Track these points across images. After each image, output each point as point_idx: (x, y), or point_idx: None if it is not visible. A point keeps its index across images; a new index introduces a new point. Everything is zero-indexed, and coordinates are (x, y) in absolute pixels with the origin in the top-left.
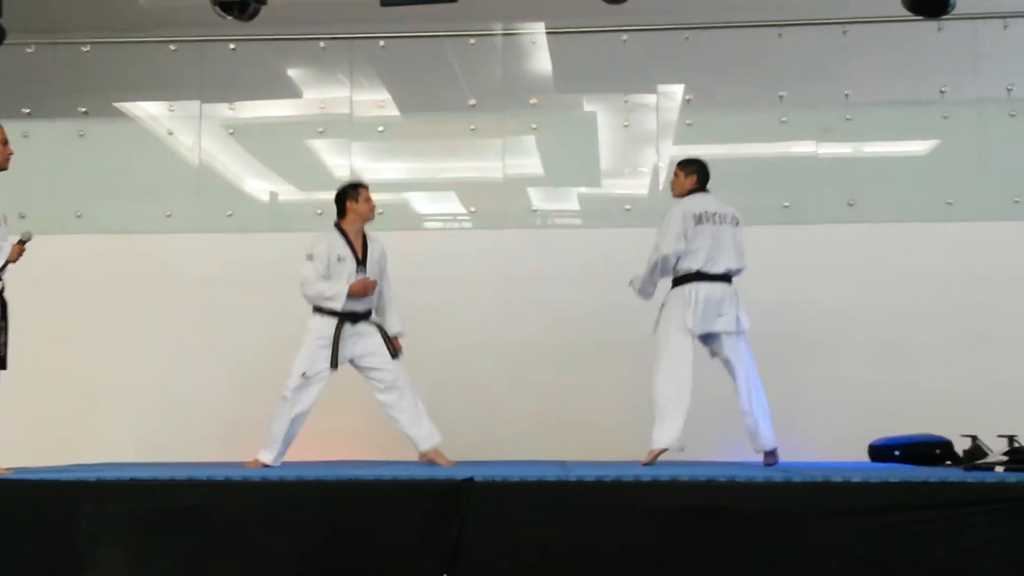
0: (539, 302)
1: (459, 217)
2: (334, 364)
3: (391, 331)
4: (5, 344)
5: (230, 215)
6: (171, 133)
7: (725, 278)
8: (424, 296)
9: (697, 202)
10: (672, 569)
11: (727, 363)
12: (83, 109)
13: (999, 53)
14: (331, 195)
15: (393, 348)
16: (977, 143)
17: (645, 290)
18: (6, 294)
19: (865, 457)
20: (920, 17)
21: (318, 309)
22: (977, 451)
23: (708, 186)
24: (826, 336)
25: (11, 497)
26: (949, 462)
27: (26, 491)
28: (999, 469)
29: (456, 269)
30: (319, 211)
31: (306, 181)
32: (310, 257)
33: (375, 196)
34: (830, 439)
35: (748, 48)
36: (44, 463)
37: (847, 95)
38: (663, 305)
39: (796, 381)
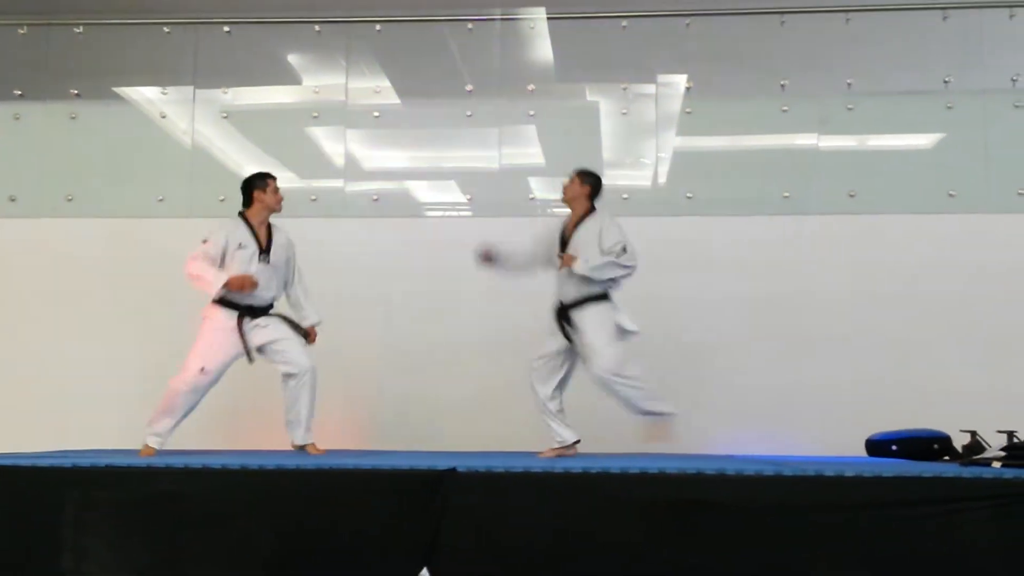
0: (539, 291)
1: (458, 206)
2: (250, 357)
3: (307, 323)
4: None
5: (223, 200)
6: (164, 116)
7: None
8: (424, 285)
9: None
10: (657, 562)
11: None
12: (75, 91)
13: (1005, 43)
14: (327, 183)
15: (306, 335)
16: (981, 134)
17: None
18: None
19: (863, 452)
20: (922, 2)
21: (218, 301)
22: (976, 446)
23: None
24: (825, 328)
25: None
26: (947, 457)
27: (2, 476)
28: (996, 465)
29: (455, 258)
30: (314, 198)
31: (302, 167)
32: (204, 240)
33: (372, 184)
34: (828, 434)
35: (750, 35)
36: (31, 449)
37: (849, 84)
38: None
39: (794, 374)
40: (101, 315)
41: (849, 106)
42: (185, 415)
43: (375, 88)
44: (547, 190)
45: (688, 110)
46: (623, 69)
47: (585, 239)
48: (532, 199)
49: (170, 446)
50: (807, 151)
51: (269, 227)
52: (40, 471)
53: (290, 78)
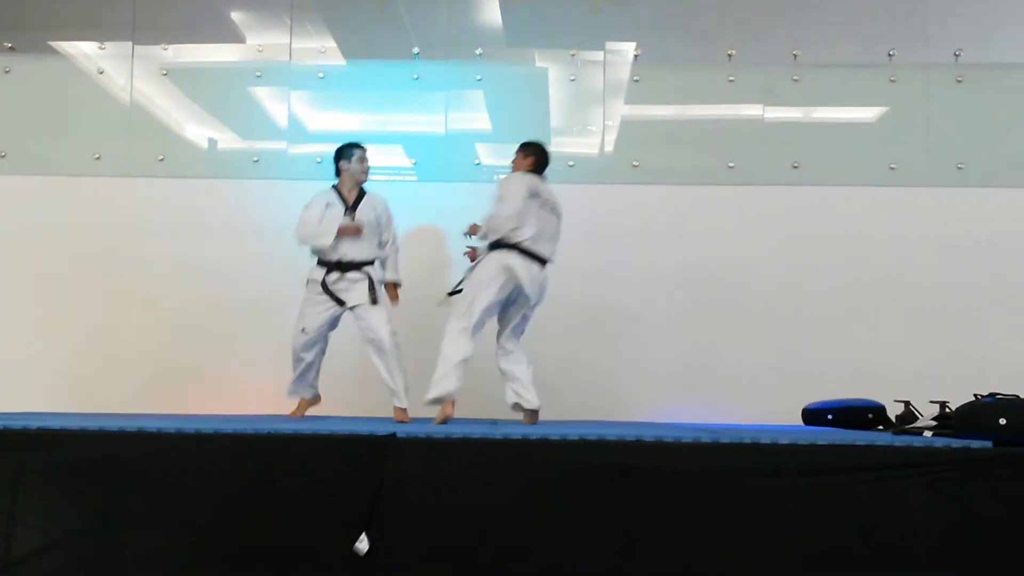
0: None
1: (403, 170)
2: (339, 303)
3: (387, 279)
4: None
5: (162, 159)
6: (102, 72)
7: None
8: None
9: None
10: (593, 527)
11: None
12: (9, 44)
13: (948, 17)
14: (270, 144)
15: (374, 295)
16: (923, 108)
17: None
18: None
19: (800, 421)
20: None
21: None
22: (908, 416)
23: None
24: (767, 299)
25: None
26: (881, 427)
27: None
28: (928, 434)
29: (399, 222)
30: (256, 159)
31: (244, 127)
32: (307, 207)
33: (316, 147)
34: (768, 403)
35: (698, 4)
36: None
37: (796, 55)
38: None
39: (735, 344)
40: (32, 275)
41: (795, 77)
42: (307, 372)
43: (320, 48)
44: (494, 156)
45: (636, 78)
46: (572, 35)
47: None
48: (478, 164)
49: (124, 408)
50: (753, 122)
51: (361, 192)
52: None
53: (233, 36)
